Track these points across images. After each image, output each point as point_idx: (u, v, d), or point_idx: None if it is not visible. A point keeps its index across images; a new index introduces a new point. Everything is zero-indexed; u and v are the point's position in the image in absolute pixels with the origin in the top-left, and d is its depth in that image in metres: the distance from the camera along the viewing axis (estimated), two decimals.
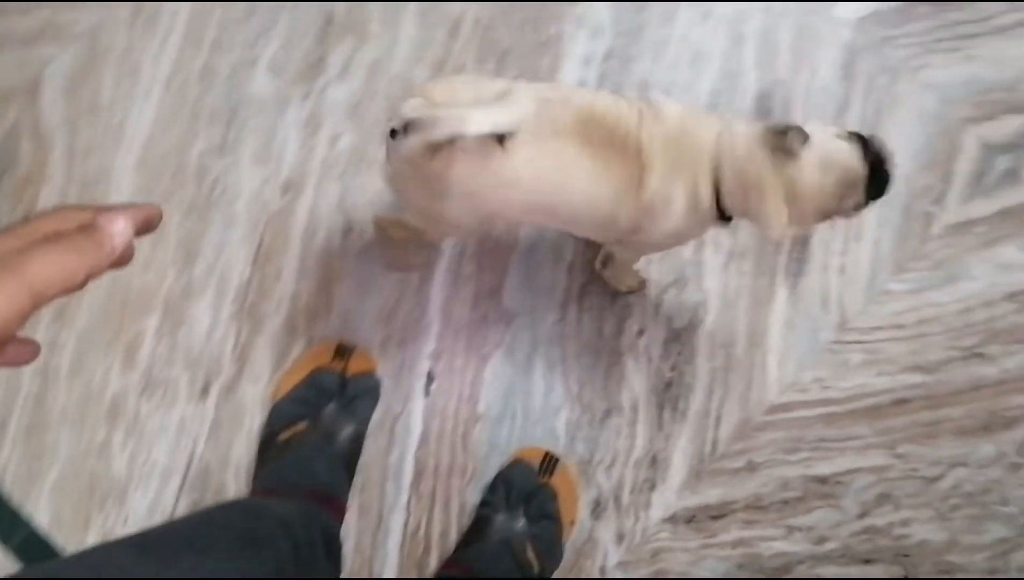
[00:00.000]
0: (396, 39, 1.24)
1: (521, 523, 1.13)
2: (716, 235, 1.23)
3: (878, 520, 1.21)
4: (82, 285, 0.36)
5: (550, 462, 1.18)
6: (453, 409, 1.20)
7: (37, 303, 0.35)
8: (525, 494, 1.14)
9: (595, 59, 1.26)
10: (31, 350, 0.42)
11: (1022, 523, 1.22)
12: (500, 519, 1.10)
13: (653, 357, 1.23)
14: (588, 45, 1.27)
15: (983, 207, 1.26)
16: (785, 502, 1.21)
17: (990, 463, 1.22)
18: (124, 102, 1.20)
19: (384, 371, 1.18)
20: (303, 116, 1.21)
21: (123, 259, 0.40)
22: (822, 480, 1.22)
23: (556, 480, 1.17)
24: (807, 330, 1.24)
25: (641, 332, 1.22)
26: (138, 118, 1.20)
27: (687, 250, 1.23)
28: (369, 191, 1.21)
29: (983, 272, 1.26)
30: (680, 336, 1.23)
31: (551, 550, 1.14)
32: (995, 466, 1.22)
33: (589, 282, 1.22)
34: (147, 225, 0.42)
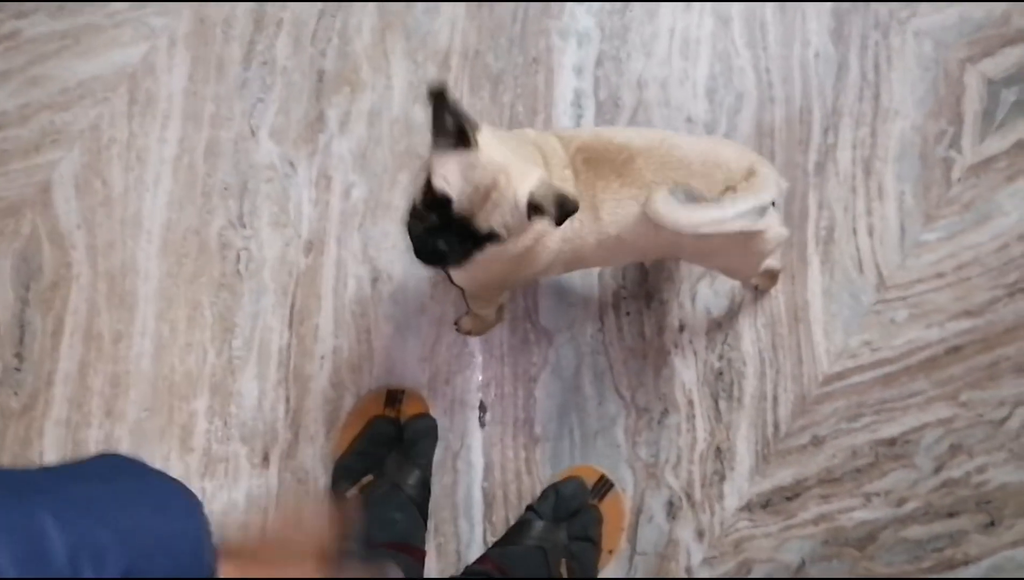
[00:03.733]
0: (390, 82, 1.50)
1: (561, 536, 1.40)
2: None
3: (954, 472, 1.44)
4: None
5: (604, 485, 1.42)
6: (511, 436, 1.43)
7: None
8: (572, 510, 1.39)
9: (587, 67, 1.52)
10: None
11: None
12: (541, 526, 1.34)
13: (699, 349, 1.46)
14: (577, 55, 1.52)
15: (999, 143, 1.51)
16: (858, 470, 1.44)
17: None
18: (136, 190, 1.45)
19: (437, 409, 1.41)
20: (313, 174, 1.46)
21: None
22: (891, 442, 1.45)
23: (605, 505, 1.43)
24: (847, 296, 1.47)
25: (682, 327, 1.46)
26: (152, 204, 1.45)
27: None
28: (390, 236, 1.45)
29: (1013, 206, 1.51)
30: (722, 324, 1.46)
31: (584, 573, 1.38)
32: None
33: (622, 288, 1.45)
34: None
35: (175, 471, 1.41)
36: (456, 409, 1.49)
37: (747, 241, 1.16)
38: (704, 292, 1.53)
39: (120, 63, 1.54)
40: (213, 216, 1.51)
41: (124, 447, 1.44)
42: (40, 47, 1.54)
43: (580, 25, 1.59)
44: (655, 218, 1.07)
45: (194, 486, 1.41)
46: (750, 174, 1.11)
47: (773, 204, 1.15)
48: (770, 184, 1.12)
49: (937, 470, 1.50)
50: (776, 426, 1.51)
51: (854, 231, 1.56)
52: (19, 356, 1.46)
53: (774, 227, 1.17)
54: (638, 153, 1.11)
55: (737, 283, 1.52)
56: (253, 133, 1.54)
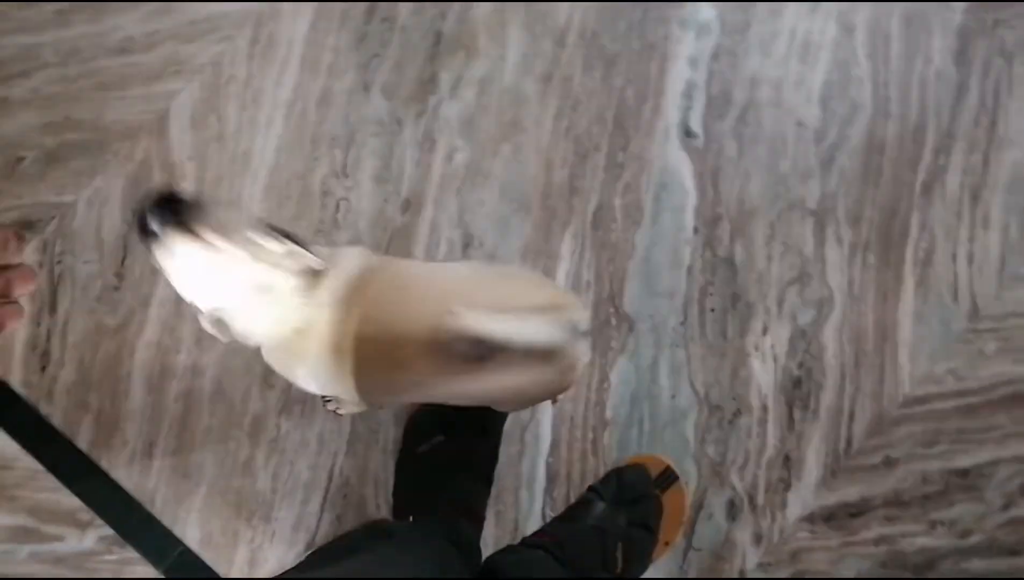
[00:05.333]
0: (504, 52, 1.52)
1: (620, 521, 1.41)
2: (837, 230, 1.46)
3: (1022, 511, 1.41)
4: None
5: (668, 477, 1.43)
6: (581, 416, 1.44)
7: None
8: (634, 497, 1.41)
9: (703, 59, 1.52)
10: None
11: None
12: (601, 508, 1.36)
13: (779, 355, 1.46)
14: (695, 46, 1.52)
15: None
16: (926, 496, 1.43)
17: None
18: (249, 130, 1.49)
19: None
20: (418, 135, 1.49)
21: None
22: (963, 473, 1.44)
23: (667, 497, 1.44)
24: (938, 321, 1.46)
25: (766, 330, 1.46)
26: (263, 145, 1.49)
27: (807, 246, 1.46)
28: (486, 204, 1.47)
29: None
30: (806, 333, 1.46)
31: (639, 560, 1.39)
32: None
33: (709, 284, 1.45)
34: None
35: (254, 405, 1.46)
36: None
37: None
38: (792, 299, 1.53)
39: (248, 3, 1.58)
40: (318, 164, 1.55)
41: (209, 375, 1.49)
42: None
43: (701, 16, 1.60)
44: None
45: (270, 422, 1.47)
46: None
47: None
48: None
49: (1006, 507, 1.49)
50: (849, 442, 1.50)
51: (953, 257, 1.54)
52: (119, 276, 1.52)
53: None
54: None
55: (828, 293, 1.52)
56: (366, 88, 1.57)
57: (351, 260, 1.02)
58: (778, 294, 1.54)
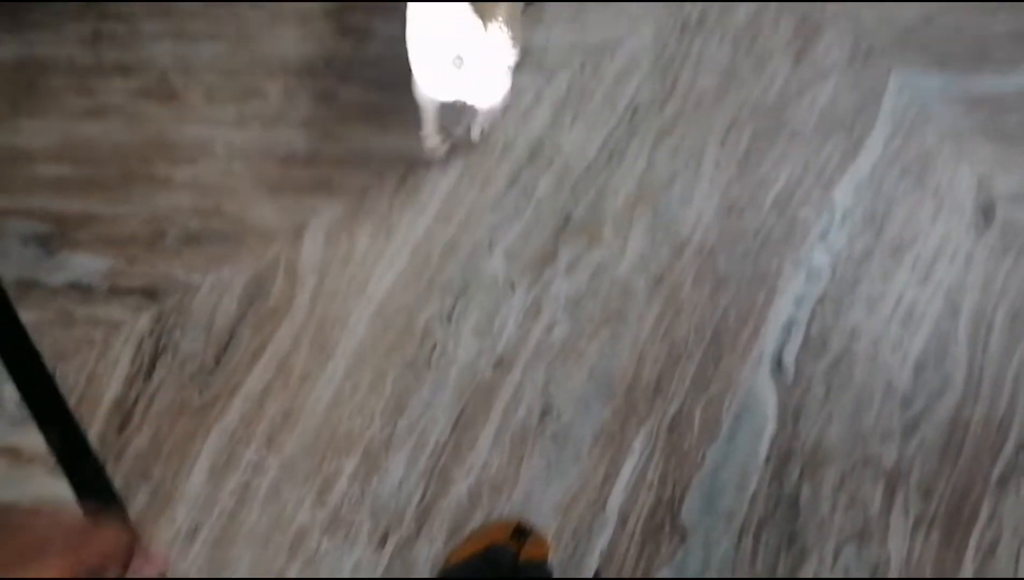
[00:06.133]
0: (624, 247, 1.61)
1: None
2: (907, 498, 1.46)
3: None
4: None
5: None
6: None
7: None
8: None
9: (808, 301, 1.58)
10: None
11: None
12: None
13: None
14: (803, 286, 1.59)
15: None
16: None
17: None
18: (374, 259, 1.60)
19: (554, 558, 1.43)
20: (527, 302, 1.57)
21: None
22: None
23: None
24: None
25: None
26: (382, 275, 1.59)
27: (874, 506, 1.46)
28: (573, 381, 1.52)
29: None
30: None
31: None
32: None
33: (769, 517, 1.46)
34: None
35: (303, 517, 1.49)
36: (572, 565, 1.52)
37: None
38: (849, 554, 1.52)
39: (406, 148, 1.72)
40: (427, 304, 1.63)
41: (269, 476, 1.53)
42: (350, 111, 1.74)
43: (815, 261, 1.67)
44: None
45: (313, 538, 1.49)
46: None
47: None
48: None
49: None
50: None
51: (1017, 555, 1.53)
52: (217, 359, 1.60)
53: None
54: None
55: (885, 558, 1.51)
56: (490, 246, 1.67)
57: None
58: (835, 546, 1.53)
